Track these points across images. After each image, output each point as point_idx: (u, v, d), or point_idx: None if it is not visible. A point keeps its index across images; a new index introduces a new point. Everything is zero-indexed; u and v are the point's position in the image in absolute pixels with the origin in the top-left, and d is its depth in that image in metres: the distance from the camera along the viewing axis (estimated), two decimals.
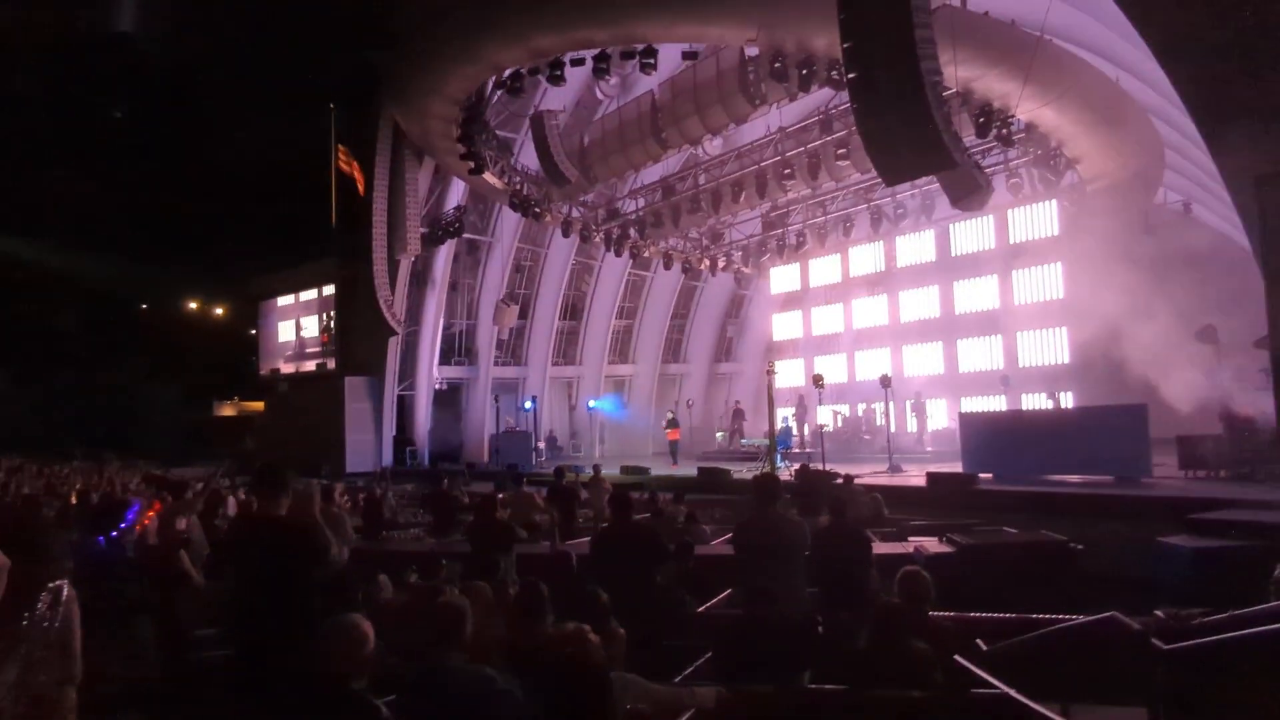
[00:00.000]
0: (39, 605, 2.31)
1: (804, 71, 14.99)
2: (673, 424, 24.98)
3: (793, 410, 24.80)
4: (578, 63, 16.45)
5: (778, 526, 5.68)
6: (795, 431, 24.57)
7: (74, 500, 9.83)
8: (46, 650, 2.26)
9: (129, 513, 4.57)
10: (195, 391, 46.07)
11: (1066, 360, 21.42)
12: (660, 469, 20.65)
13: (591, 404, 30.18)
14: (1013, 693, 3.59)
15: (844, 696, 3.69)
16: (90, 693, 2.59)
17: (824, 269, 28.91)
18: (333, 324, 31.52)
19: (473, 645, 3.78)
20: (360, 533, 10.91)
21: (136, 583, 4.10)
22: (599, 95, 18.34)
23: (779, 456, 19.36)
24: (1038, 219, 22.36)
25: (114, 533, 4.31)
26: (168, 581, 4.52)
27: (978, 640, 4.85)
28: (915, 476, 15.33)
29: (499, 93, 19.03)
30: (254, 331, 38.14)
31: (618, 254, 25.16)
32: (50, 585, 2.37)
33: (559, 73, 16.71)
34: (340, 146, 28.44)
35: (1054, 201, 21.03)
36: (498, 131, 22.34)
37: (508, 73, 17.76)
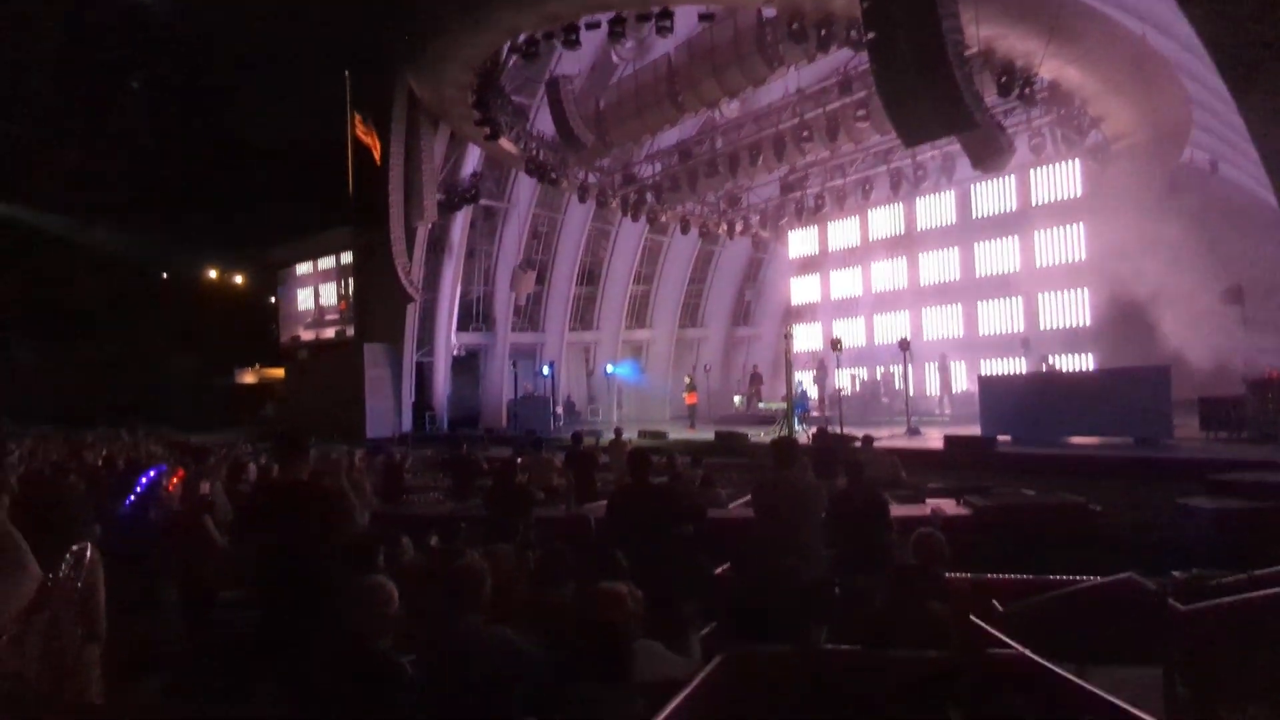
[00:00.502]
0: (63, 567, 2.35)
1: (822, 32, 14.78)
2: (691, 388, 25.07)
3: (811, 374, 24.76)
4: (593, 26, 16.29)
5: (796, 488, 5.70)
6: (813, 395, 24.56)
7: (100, 466, 9.99)
8: (70, 609, 2.30)
9: (151, 471, 4.63)
10: (216, 360, 46.47)
11: (1088, 323, 21.22)
12: (678, 433, 20.72)
13: (609, 369, 30.25)
14: (1029, 653, 3.60)
15: (860, 656, 3.71)
16: (114, 653, 2.63)
17: (843, 232, 28.69)
18: (351, 291, 31.67)
19: (494, 607, 3.83)
20: (380, 497, 11.05)
21: (161, 545, 4.16)
22: (615, 59, 18.17)
23: (796, 420, 19.37)
24: (1060, 179, 22.05)
25: (138, 490, 4.38)
26: (191, 544, 4.60)
27: (994, 601, 4.86)
28: (934, 440, 15.33)
29: (514, 58, 18.87)
30: (273, 299, 38.39)
31: (634, 219, 25.05)
32: (73, 548, 2.41)
33: (574, 37, 16.55)
34: (356, 114, 28.37)
35: (1077, 161, 20.74)
36: (513, 97, 22.20)
37: (522, 38, 17.62)
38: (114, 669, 2.63)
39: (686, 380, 25.68)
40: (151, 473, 4.52)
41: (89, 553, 2.47)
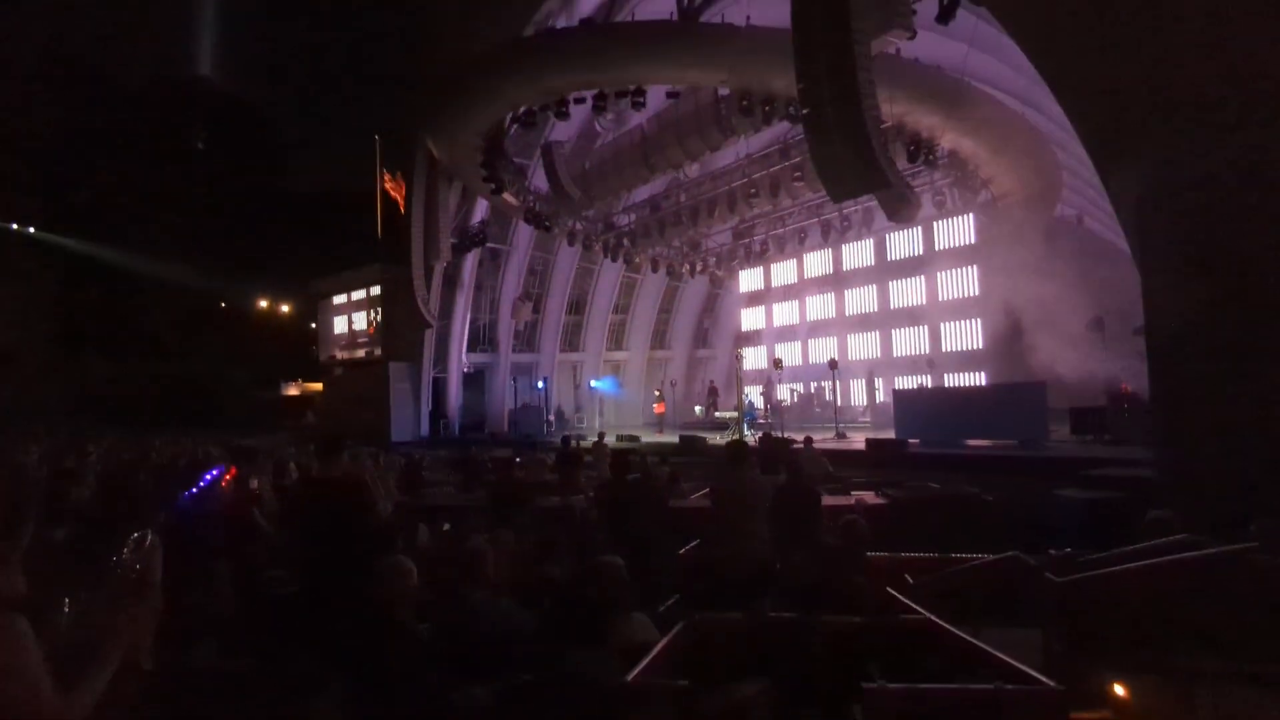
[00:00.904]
0: (124, 551, 2.29)
1: (766, 108, 14.94)
2: (659, 399, 25.08)
3: (759, 388, 24.83)
4: (580, 101, 16.33)
5: (746, 484, 5.71)
6: (759, 405, 24.61)
7: (165, 465, 9.79)
8: (129, 587, 2.24)
9: (213, 471, 4.55)
10: (265, 375, 45.89)
11: (981, 346, 21.48)
12: (649, 437, 20.67)
13: (593, 383, 30.16)
14: (934, 618, 3.62)
15: (796, 622, 3.71)
16: (174, 622, 2.57)
17: (783, 271, 28.89)
18: (379, 318, 31.39)
19: (498, 580, 3.80)
20: (402, 490, 10.92)
21: (216, 531, 4.09)
22: (598, 128, 18.25)
23: (746, 426, 19.40)
24: (958, 229, 22.37)
25: (199, 486, 4.31)
26: (242, 531, 4.53)
27: (906, 575, 4.89)
28: (857, 443, 15.39)
29: (515, 126, 18.90)
30: (314, 325, 37.97)
31: (613, 259, 25.06)
32: (135, 534, 2.35)
33: (564, 110, 16.59)
34: (385, 170, 28.26)
35: (971, 215, 21.05)
36: (514, 159, 22.18)
37: (522, 110, 17.64)
38: (174, 636, 2.56)
39: (656, 393, 25.68)
40: (214, 471, 4.44)
41: (149, 538, 2.41)
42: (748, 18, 14.75)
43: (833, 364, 19.48)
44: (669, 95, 16.50)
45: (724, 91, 15.70)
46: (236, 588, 4.21)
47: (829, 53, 10.13)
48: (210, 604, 3.95)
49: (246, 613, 4.31)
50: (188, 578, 3.88)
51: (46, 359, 37.46)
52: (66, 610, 2.17)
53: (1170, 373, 7.24)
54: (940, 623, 3.54)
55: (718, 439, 17.06)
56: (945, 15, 11.91)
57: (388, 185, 28.09)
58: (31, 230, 39.57)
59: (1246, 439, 6.41)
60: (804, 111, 10.72)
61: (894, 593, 4.18)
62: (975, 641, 3.34)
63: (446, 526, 6.52)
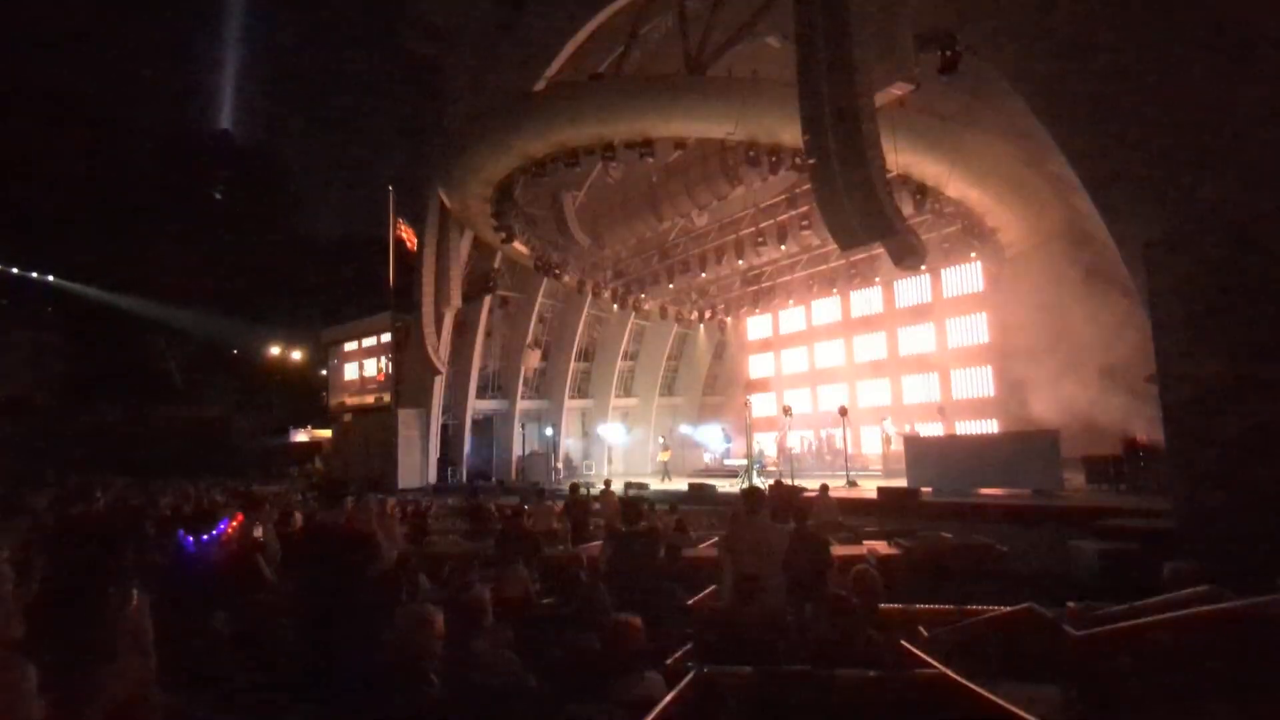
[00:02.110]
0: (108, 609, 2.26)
1: (773, 158, 15.16)
2: (664, 447, 24.97)
3: (774, 435, 24.69)
4: (590, 153, 16.61)
5: (763, 530, 5.63)
6: (770, 453, 24.44)
7: (170, 512, 9.76)
8: (126, 656, 2.20)
9: (221, 524, 4.53)
10: (275, 421, 46.07)
11: (992, 393, 21.35)
12: (658, 484, 20.51)
13: (601, 430, 30.08)
14: (949, 672, 3.52)
15: (807, 677, 3.61)
16: (170, 674, 2.52)
17: (791, 318, 28.98)
18: (389, 365, 31.59)
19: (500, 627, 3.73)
20: (407, 538, 10.82)
21: (217, 580, 4.05)
22: (607, 178, 18.54)
23: (755, 473, 19.23)
24: (966, 277, 22.45)
25: (206, 538, 4.27)
26: (244, 579, 4.48)
27: (920, 628, 4.77)
28: (869, 491, 15.21)
29: (525, 177, 19.23)
30: (324, 372, 38.21)
31: (622, 307, 25.23)
32: (113, 591, 2.32)
33: (574, 160, 16.87)
34: (398, 220, 28.77)
35: (979, 262, 21.13)
36: (525, 208, 22.56)
37: (533, 161, 17.93)
38: (167, 686, 2.51)
39: (661, 440, 25.57)
40: (221, 524, 4.42)
41: (134, 597, 2.38)
42: (754, 71, 15.08)
43: (843, 411, 19.38)
44: (677, 146, 16.78)
45: (732, 141, 15.96)
46: (236, 638, 4.14)
47: (834, 104, 10.32)
48: (209, 654, 3.88)
49: (246, 662, 4.24)
50: (186, 627, 3.83)
51: (59, 404, 37.75)
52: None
53: (1185, 422, 7.15)
54: (956, 678, 3.43)
55: (728, 487, 16.91)
56: (948, 67, 12.15)
57: (400, 234, 28.58)
58: (51, 278, 40.28)
59: (1267, 489, 6.30)
60: (810, 162, 10.87)
61: (908, 646, 4.07)
62: (993, 698, 3.24)
63: (447, 571, 6.44)
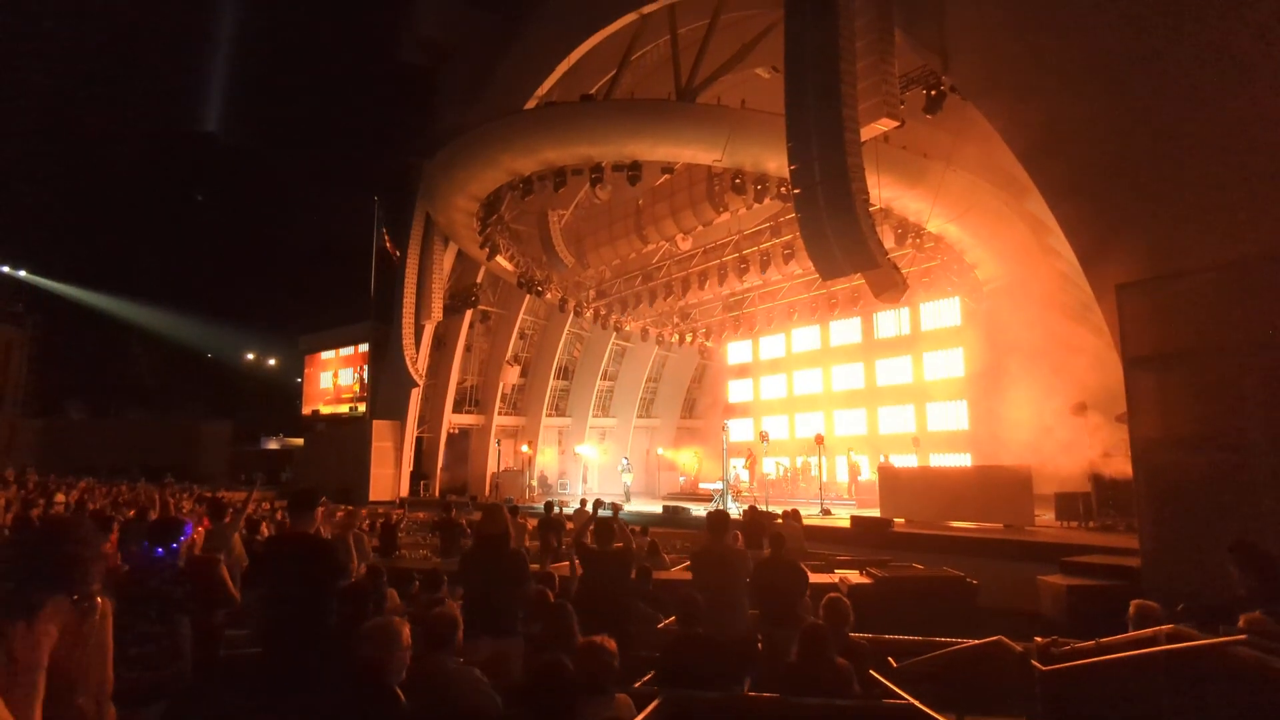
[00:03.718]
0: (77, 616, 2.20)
1: (758, 187, 15.35)
2: (626, 469, 25.00)
3: (743, 460, 24.72)
4: (577, 173, 16.69)
5: (726, 554, 5.62)
6: (745, 478, 24.46)
7: (132, 514, 9.55)
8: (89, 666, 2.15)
9: (185, 530, 4.42)
10: (247, 428, 45.35)
11: (966, 427, 21.57)
12: (632, 505, 20.44)
13: (578, 449, 29.95)
14: (917, 704, 3.52)
15: (776, 703, 3.60)
16: (123, 683, 2.46)
17: (771, 345, 29.20)
18: (365, 376, 31.32)
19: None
20: (377, 551, 10.66)
21: (178, 588, 3.95)
22: (594, 199, 18.63)
23: (729, 498, 19.23)
24: (944, 311, 22.76)
25: (174, 546, 4.16)
26: (205, 588, 4.38)
27: (889, 658, 4.78)
28: (841, 519, 15.26)
29: (512, 193, 19.27)
30: (299, 380, 37.78)
31: (604, 327, 25.27)
32: (79, 598, 2.26)
33: (562, 180, 16.93)
34: (383, 230, 28.70)
35: (957, 297, 21.44)
36: (510, 224, 22.59)
37: (521, 178, 17.98)
38: (121, 696, 2.44)
39: (623, 461, 25.53)
40: (185, 531, 4.31)
41: (98, 604, 2.32)
42: (743, 100, 15.29)
43: (819, 439, 19.46)
44: (664, 170, 16.93)
45: (718, 169, 16.12)
46: (194, 647, 4.04)
47: (821, 137, 10.49)
48: (167, 663, 3.78)
49: (204, 673, 4.14)
50: (144, 636, 3.73)
51: (27, 401, 36.89)
52: None
53: (1154, 461, 7.26)
54: (924, 709, 3.44)
55: (702, 510, 16.87)
56: (932, 107, 12.42)
57: (384, 245, 28.49)
58: (22, 274, 39.57)
59: (1233, 530, 6.39)
60: (795, 191, 11.01)
61: (878, 675, 4.08)
62: None
63: (415, 586, 6.35)
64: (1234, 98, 7.40)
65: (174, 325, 46.69)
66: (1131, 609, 4.24)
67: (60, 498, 14.06)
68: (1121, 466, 11.13)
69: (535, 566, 8.48)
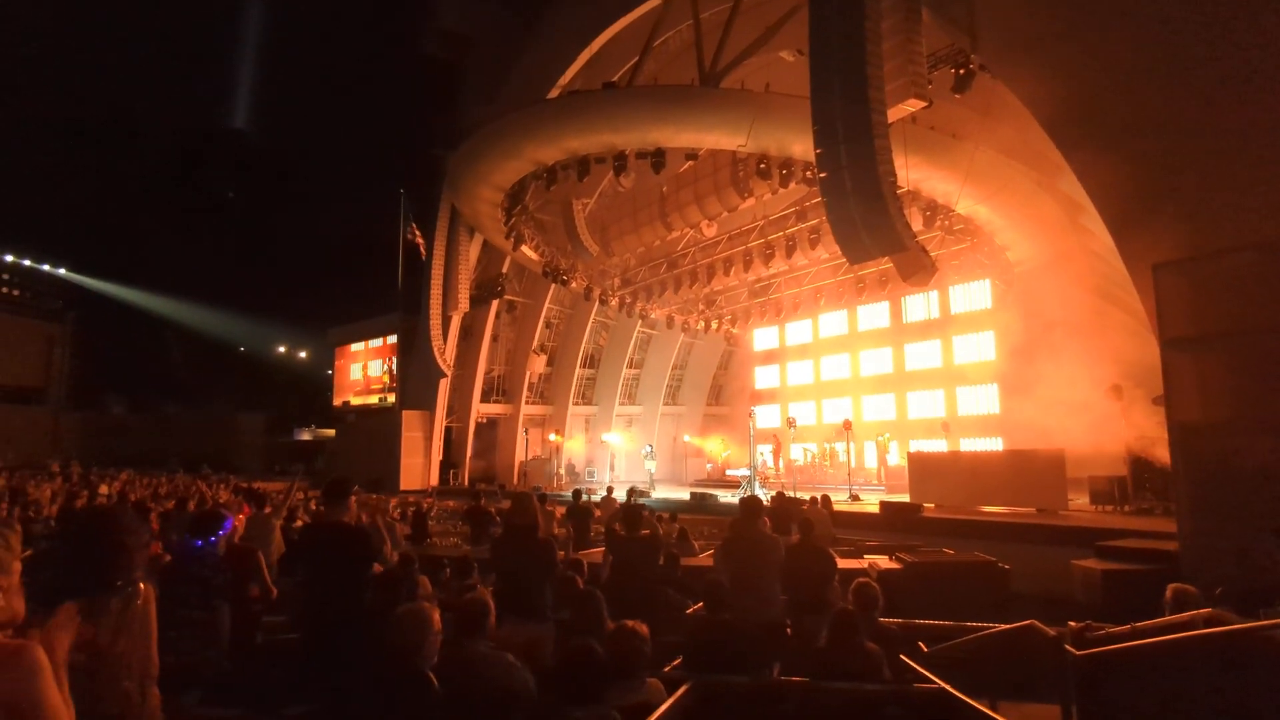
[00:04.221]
0: (119, 604, 2.27)
1: (784, 171, 15.22)
2: (649, 456, 24.98)
3: (770, 446, 24.66)
4: (600, 161, 16.68)
5: (759, 539, 5.63)
6: (771, 464, 24.41)
7: (172, 505, 9.80)
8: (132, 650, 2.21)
9: (226, 523, 4.53)
10: (280, 419, 46.16)
11: (997, 411, 21.29)
12: (659, 492, 20.50)
13: (604, 437, 30.08)
14: (949, 688, 3.51)
15: (805, 688, 3.60)
16: (163, 667, 2.53)
17: (798, 331, 29.01)
18: (394, 367, 31.69)
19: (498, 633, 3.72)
20: (409, 539, 10.83)
21: (216, 576, 4.05)
22: (618, 187, 18.63)
23: (756, 484, 19.20)
24: (974, 294, 22.43)
25: (213, 539, 4.27)
26: (242, 576, 4.49)
27: (920, 643, 4.76)
28: (870, 505, 15.18)
29: (537, 183, 19.32)
30: (330, 372, 38.33)
31: (629, 315, 25.28)
32: (124, 585, 2.33)
33: (585, 168, 16.92)
34: (412, 223, 28.93)
35: (987, 280, 21.12)
36: (535, 214, 22.65)
37: (544, 168, 18.00)
38: (162, 682, 2.52)
39: (647, 449, 25.47)
40: (226, 525, 4.42)
41: (141, 589, 2.39)
42: (767, 84, 15.14)
43: (847, 425, 19.35)
44: (688, 157, 16.85)
45: (742, 154, 16.01)
46: (232, 633, 4.15)
47: (847, 120, 10.36)
48: (205, 650, 3.89)
49: (241, 659, 4.24)
50: (184, 621, 3.84)
51: (69, 395, 37.91)
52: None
53: (1191, 444, 7.12)
54: (956, 693, 3.42)
55: (730, 497, 16.89)
56: (961, 86, 12.20)
57: (410, 237, 28.72)
58: (62, 272, 40.54)
59: (1273, 513, 6.26)
60: (821, 175, 10.89)
61: (908, 660, 4.06)
62: (993, 715, 3.22)
63: (447, 573, 6.44)
64: (1273, 76, 7.18)
65: (208, 320, 47.60)
66: (1169, 593, 4.17)
67: (104, 489, 14.46)
68: (1158, 449, 10.94)
69: (562, 554, 8.57)
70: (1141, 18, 8.39)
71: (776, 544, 5.69)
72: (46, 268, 39.55)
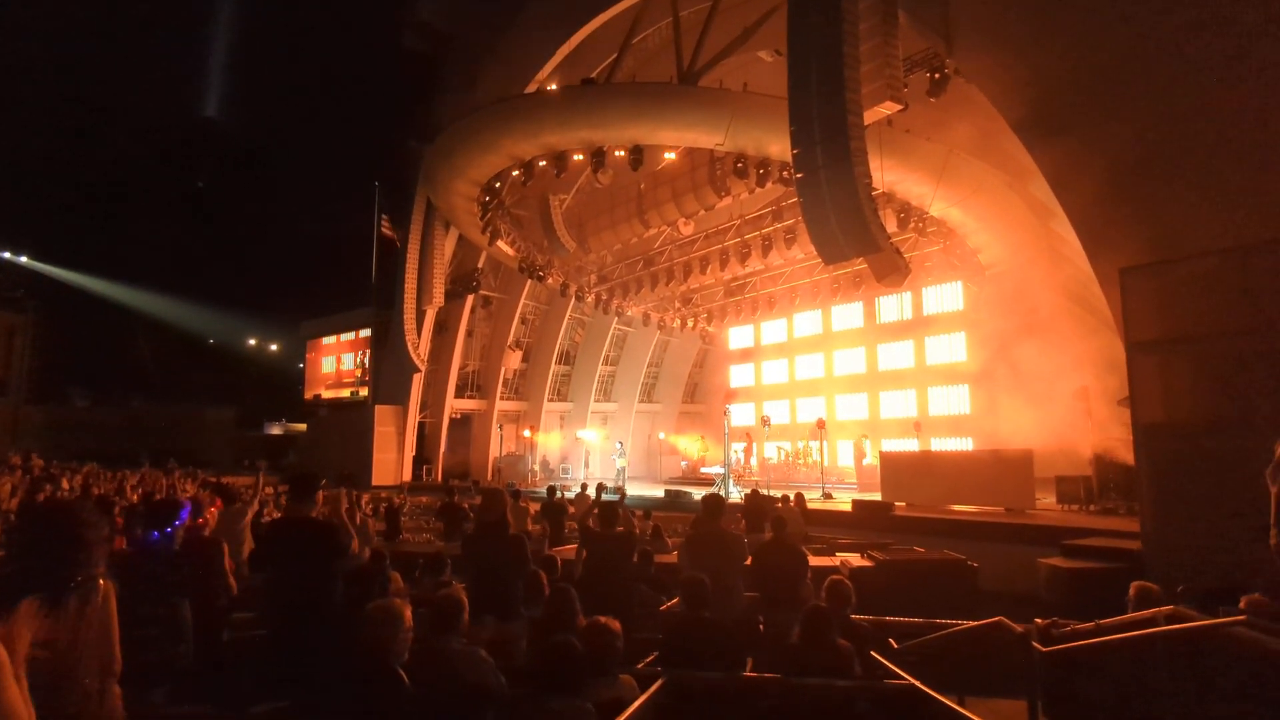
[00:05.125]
0: (76, 598, 2.21)
1: (760, 171, 15.27)
2: (620, 453, 24.90)
3: (742, 444, 24.76)
4: (578, 157, 16.58)
5: (721, 537, 5.65)
6: (745, 462, 24.51)
7: (137, 499, 9.60)
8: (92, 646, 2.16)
9: (182, 513, 4.44)
10: (250, 413, 45.41)
11: (968, 411, 21.57)
12: (633, 489, 20.48)
13: (579, 434, 30.01)
14: (919, 684, 3.54)
15: (778, 684, 3.62)
16: (128, 665, 2.48)
17: (773, 330, 29.16)
18: (367, 361, 31.37)
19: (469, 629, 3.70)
20: (381, 535, 10.72)
21: (180, 571, 3.98)
22: (595, 183, 18.56)
23: (730, 482, 19.28)
24: (946, 295, 22.70)
25: (169, 529, 4.19)
26: (207, 571, 4.41)
27: (891, 639, 4.80)
28: (843, 503, 15.29)
29: (513, 177, 19.19)
30: (301, 365, 37.82)
31: (605, 312, 25.24)
32: (81, 577, 2.27)
33: (563, 164, 16.83)
34: (383, 216, 28.60)
35: (959, 282, 21.37)
36: (511, 209, 22.49)
37: (521, 163, 17.88)
38: (125, 678, 2.47)
39: (618, 446, 25.38)
40: (184, 512, 4.34)
41: (101, 584, 2.33)
42: (745, 84, 15.17)
43: (820, 424, 19.49)
44: (666, 155, 16.82)
45: (720, 152, 16.03)
46: (197, 630, 4.07)
47: (824, 121, 10.42)
48: (170, 646, 3.81)
49: (207, 656, 4.17)
50: (147, 618, 3.76)
51: (31, 388, 36.97)
52: None
53: (1155, 445, 7.27)
54: (925, 689, 3.46)
55: (702, 494, 16.91)
56: (935, 90, 12.32)
57: (384, 229, 28.41)
58: (24, 259, 39.53)
59: (1234, 512, 6.41)
60: (798, 176, 10.95)
61: (878, 657, 4.10)
62: (961, 710, 3.26)
63: (419, 571, 6.39)
64: (1235, 90, 7.35)
65: (176, 311, 46.70)
66: (1132, 590, 4.26)
67: (65, 483, 14.12)
68: (1123, 450, 11.15)
69: (536, 550, 8.53)
70: (1110, 22, 8.54)
71: (740, 542, 5.71)
72: (7, 255, 38.54)
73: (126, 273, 45.33)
